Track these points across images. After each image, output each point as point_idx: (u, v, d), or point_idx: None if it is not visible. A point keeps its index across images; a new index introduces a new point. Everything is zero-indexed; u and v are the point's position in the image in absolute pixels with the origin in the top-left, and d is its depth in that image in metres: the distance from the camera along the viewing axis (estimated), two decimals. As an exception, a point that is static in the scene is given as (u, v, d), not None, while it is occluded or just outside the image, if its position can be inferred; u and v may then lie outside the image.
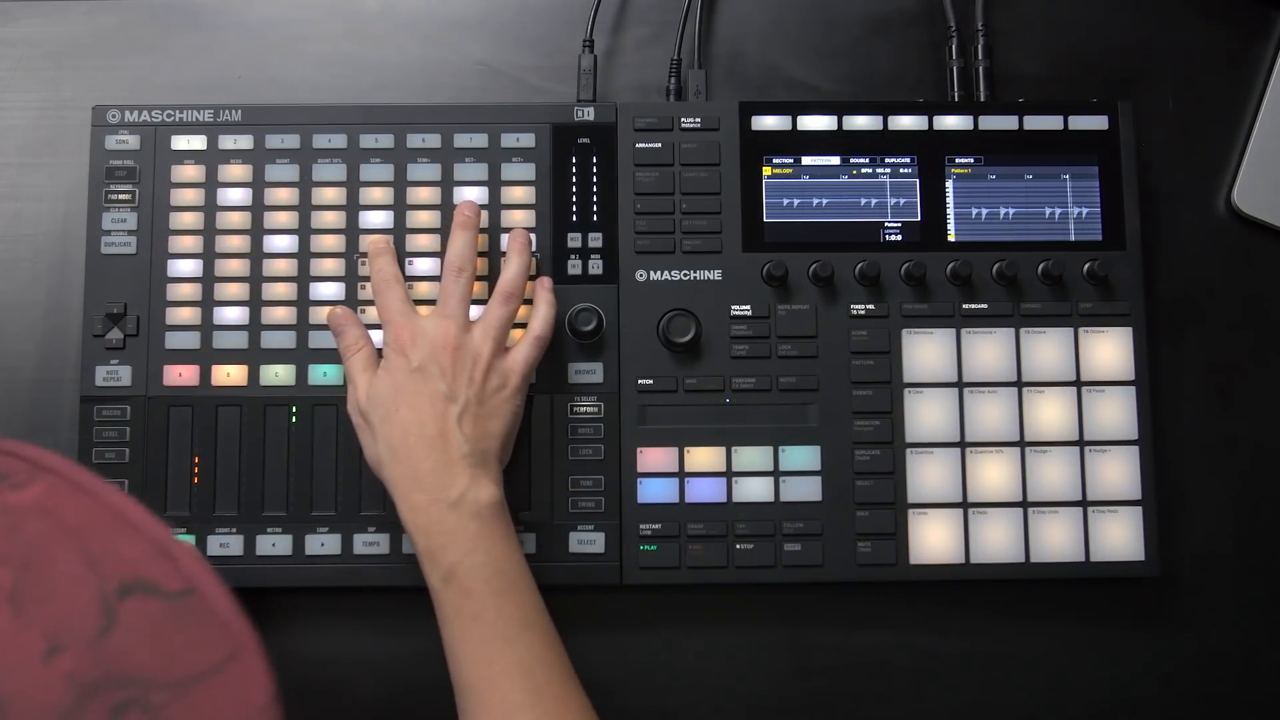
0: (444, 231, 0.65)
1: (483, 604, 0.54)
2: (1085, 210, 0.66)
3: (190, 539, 0.62)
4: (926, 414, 0.65)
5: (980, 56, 0.70)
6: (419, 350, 0.58)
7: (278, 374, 0.64)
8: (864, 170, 0.66)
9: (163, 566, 0.32)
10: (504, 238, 0.65)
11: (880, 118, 0.67)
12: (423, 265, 0.65)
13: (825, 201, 0.66)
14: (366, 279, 0.65)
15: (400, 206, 0.66)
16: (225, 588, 0.32)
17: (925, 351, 0.65)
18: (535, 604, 0.56)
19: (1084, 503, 0.64)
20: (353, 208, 0.65)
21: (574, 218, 0.66)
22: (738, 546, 0.63)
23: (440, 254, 0.65)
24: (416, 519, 0.56)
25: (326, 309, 0.63)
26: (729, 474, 0.64)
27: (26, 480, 0.32)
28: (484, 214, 0.65)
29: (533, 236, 0.65)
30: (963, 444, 0.64)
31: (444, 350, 0.58)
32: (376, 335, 0.63)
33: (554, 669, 0.54)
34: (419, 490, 0.56)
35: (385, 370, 0.59)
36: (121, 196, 0.65)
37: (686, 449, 0.64)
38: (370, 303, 0.64)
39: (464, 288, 0.61)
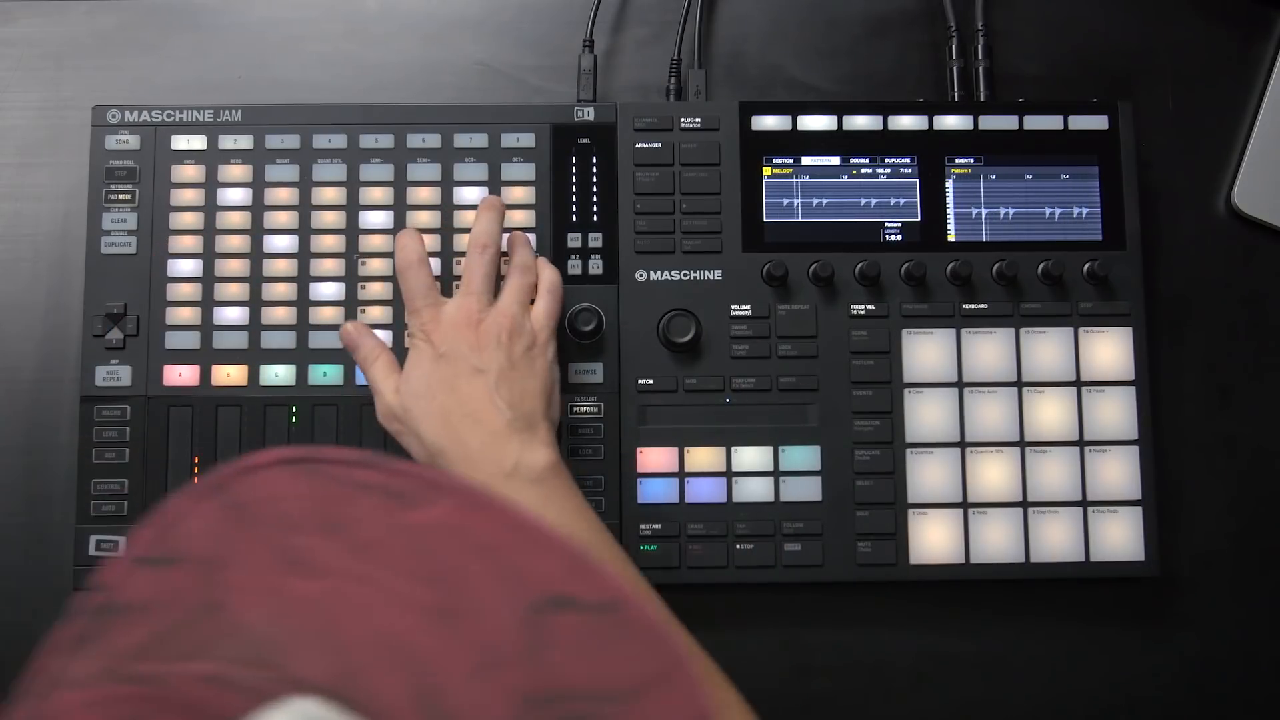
0: (444, 232, 0.65)
1: None
2: (1085, 210, 0.66)
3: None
4: (926, 414, 0.65)
5: (980, 56, 0.70)
6: (444, 335, 0.58)
7: (278, 374, 0.64)
8: (864, 170, 0.66)
9: (581, 581, 0.31)
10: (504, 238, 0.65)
11: (880, 118, 0.67)
12: (423, 265, 0.65)
13: (825, 201, 0.66)
14: (367, 279, 0.65)
15: (400, 206, 0.66)
16: (651, 601, 0.31)
17: (925, 351, 0.65)
18: (617, 560, 0.54)
19: (1084, 503, 0.64)
20: (353, 208, 0.65)
21: (574, 218, 0.66)
22: (738, 546, 0.63)
23: (440, 254, 0.65)
24: None
25: (340, 327, 0.62)
26: (729, 474, 0.64)
27: (426, 500, 0.32)
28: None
29: (531, 238, 0.65)
30: (963, 444, 0.64)
31: (468, 328, 0.58)
32: (382, 335, 0.63)
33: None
34: (474, 470, 0.55)
35: (414, 363, 0.59)
36: (121, 196, 0.65)
37: (686, 449, 0.64)
38: (372, 302, 0.64)
39: (489, 264, 0.61)
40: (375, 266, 0.65)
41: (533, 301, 0.62)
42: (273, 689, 0.28)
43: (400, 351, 0.64)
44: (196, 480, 0.32)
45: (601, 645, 0.30)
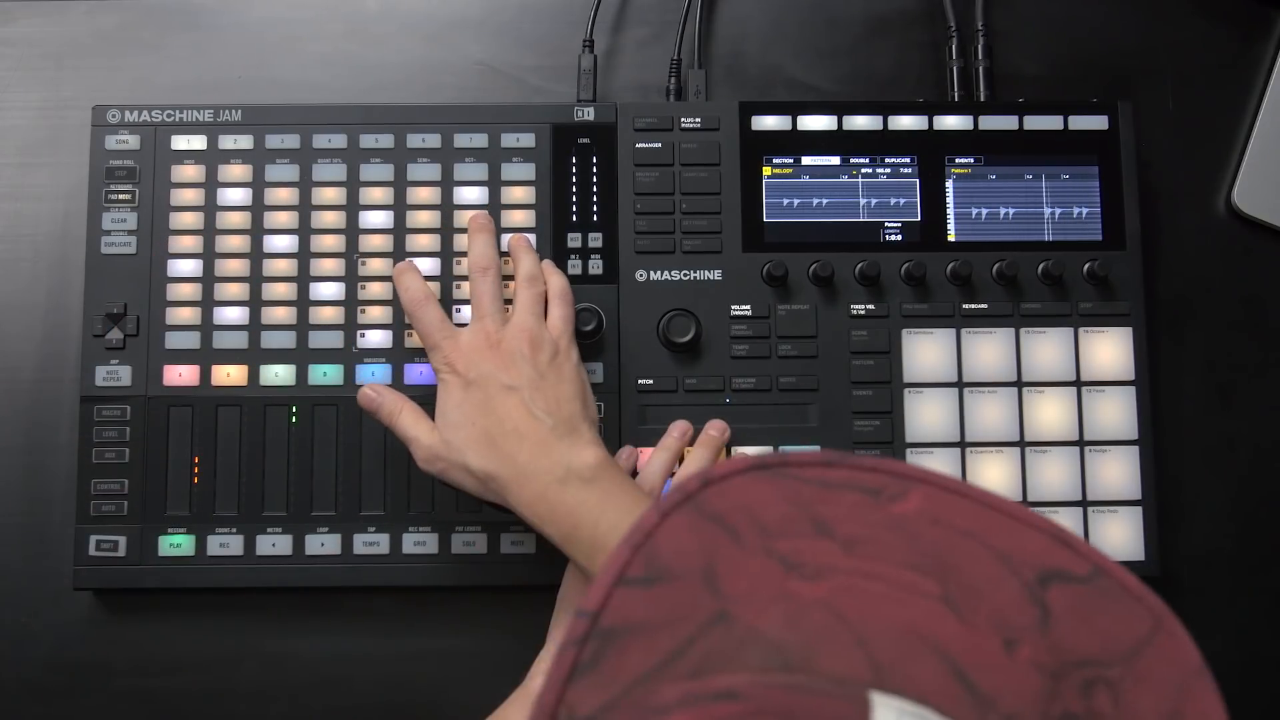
0: (444, 232, 0.65)
1: None
2: (1085, 210, 0.66)
3: (190, 539, 0.62)
4: (926, 414, 0.65)
5: (980, 56, 0.69)
6: (468, 362, 0.58)
7: (278, 374, 0.64)
8: (864, 170, 0.66)
9: (1065, 553, 0.32)
10: (504, 239, 0.65)
11: (880, 118, 0.67)
12: (423, 265, 0.65)
13: (825, 201, 0.66)
14: (367, 279, 0.65)
15: (400, 206, 0.66)
16: (1125, 567, 0.33)
17: (925, 351, 0.65)
18: None
19: (1084, 503, 0.64)
20: (353, 208, 0.65)
21: (574, 218, 0.66)
22: (738, 546, 0.63)
23: (440, 254, 0.65)
24: (540, 510, 0.55)
25: (357, 393, 0.61)
26: (729, 474, 0.64)
27: (901, 492, 0.33)
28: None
29: (531, 238, 0.65)
30: (963, 444, 0.64)
31: (490, 349, 0.58)
32: (379, 335, 0.63)
33: None
34: (527, 484, 0.55)
35: (445, 396, 0.58)
36: (121, 196, 0.65)
37: (687, 449, 0.64)
38: (372, 303, 0.64)
39: (492, 284, 0.61)
40: (375, 266, 0.65)
41: (546, 310, 0.62)
42: (829, 690, 0.28)
43: (397, 354, 0.64)
44: (663, 496, 0.32)
45: (1097, 612, 0.31)
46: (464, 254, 0.65)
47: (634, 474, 0.62)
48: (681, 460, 0.63)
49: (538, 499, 0.55)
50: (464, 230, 0.65)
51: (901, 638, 0.30)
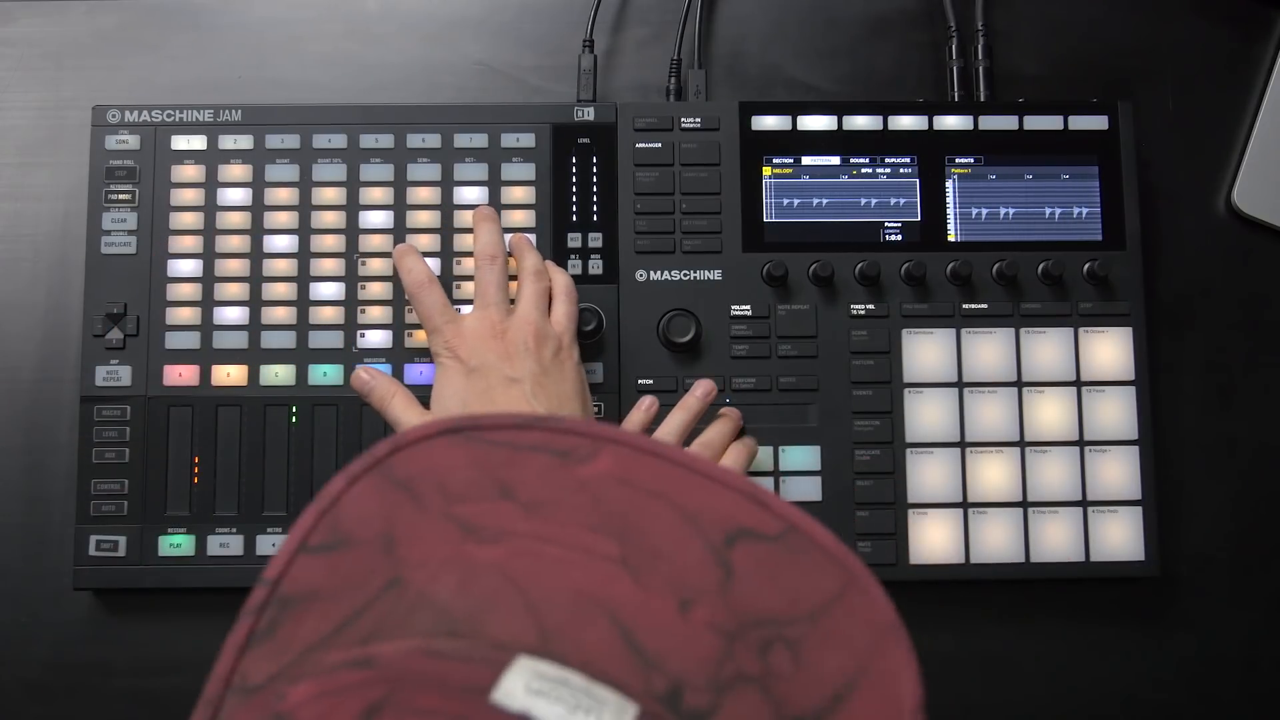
0: (444, 232, 0.65)
1: None
2: (1085, 210, 0.66)
3: (190, 539, 0.62)
4: (926, 414, 0.65)
5: (980, 56, 0.69)
6: (470, 349, 0.58)
7: (278, 374, 0.64)
8: (864, 170, 0.66)
9: (757, 512, 0.32)
10: (505, 238, 0.65)
11: (880, 118, 0.67)
12: (423, 265, 0.65)
13: (825, 201, 0.66)
14: (367, 279, 0.65)
15: (400, 206, 0.66)
16: (823, 524, 0.32)
17: (925, 351, 0.65)
18: None
19: (1084, 503, 0.64)
20: (353, 208, 0.65)
21: (574, 218, 0.66)
22: (738, 546, 0.63)
23: (440, 254, 0.65)
24: None
25: (351, 374, 0.61)
26: (729, 474, 0.64)
27: (590, 453, 0.32)
28: (484, 214, 0.65)
29: (531, 238, 0.65)
30: (963, 444, 0.64)
31: (494, 339, 0.58)
32: (377, 337, 0.63)
33: None
34: None
35: (444, 382, 0.58)
36: (121, 196, 0.65)
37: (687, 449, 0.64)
38: (372, 302, 0.64)
39: (499, 274, 0.61)
40: (375, 266, 0.65)
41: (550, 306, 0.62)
42: (484, 655, 0.28)
43: (398, 354, 0.64)
44: (353, 461, 0.32)
45: (785, 570, 0.31)
46: (464, 254, 0.65)
47: (650, 430, 0.62)
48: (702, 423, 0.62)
49: None
50: (465, 230, 0.65)
51: (572, 601, 0.30)
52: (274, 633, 0.30)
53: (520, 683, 0.27)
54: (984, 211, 0.66)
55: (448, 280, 0.65)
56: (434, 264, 0.65)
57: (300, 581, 0.30)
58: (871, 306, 0.65)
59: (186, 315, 0.64)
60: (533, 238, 0.65)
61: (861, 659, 0.30)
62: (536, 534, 0.31)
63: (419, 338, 0.64)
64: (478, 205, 0.65)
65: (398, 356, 0.64)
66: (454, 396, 0.57)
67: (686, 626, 0.30)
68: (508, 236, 0.64)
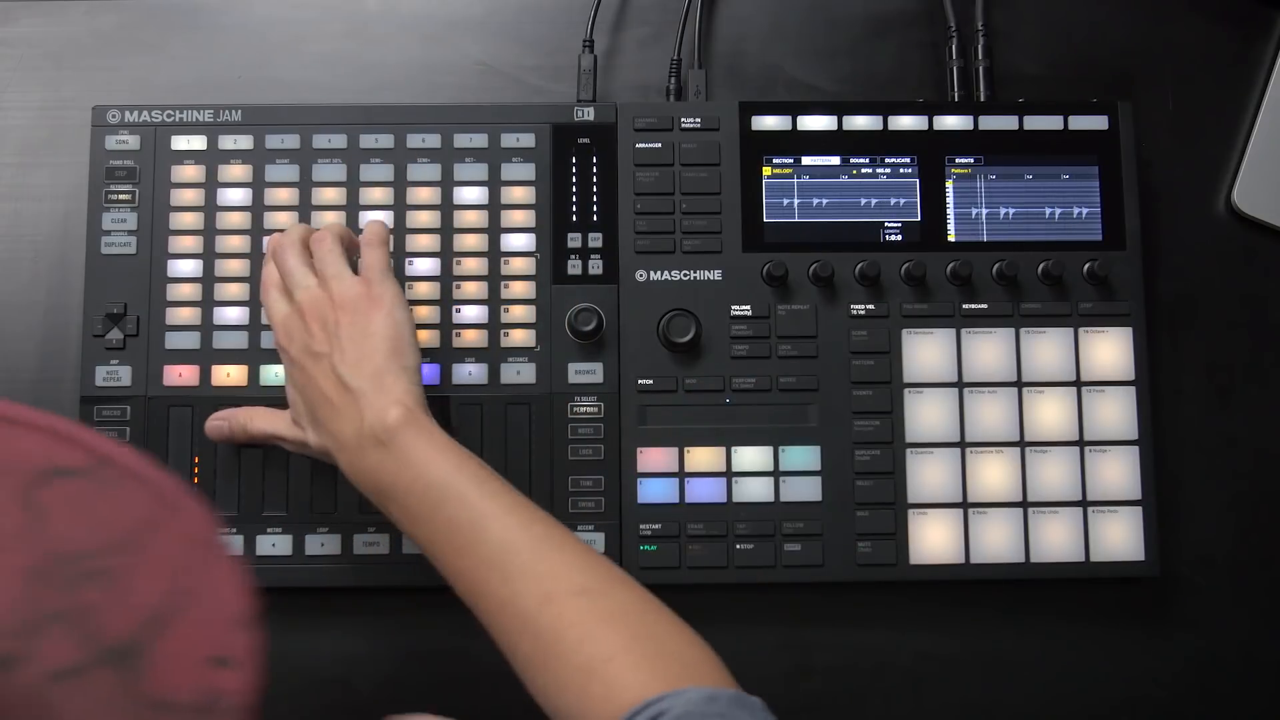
0: (444, 232, 0.65)
1: (430, 525, 0.53)
2: (1085, 210, 0.66)
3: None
4: (926, 414, 0.65)
5: (980, 56, 0.69)
6: (290, 339, 0.58)
7: (277, 374, 0.64)
8: (864, 170, 0.66)
9: (66, 449, 0.32)
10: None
11: (880, 118, 0.67)
12: (423, 265, 0.65)
13: (825, 201, 0.66)
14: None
15: (400, 206, 0.66)
16: (137, 452, 0.33)
17: (925, 351, 0.65)
18: (487, 494, 0.53)
19: (1084, 503, 0.64)
20: (353, 208, 0.65)
21: (574, 218, 0.66)
22: (738, 546, 0.63)
23: (440, 254, 0.65)
24: (352, 476, 0.55)
25: (206, 430, 0.62)
26: (729, 474, 0.64)
27: None
28: (484, 214, 0.65)
29: (531, 238, 0.65)
30: (963, 444, 0.64)
31: (299, 317, 0.57)
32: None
33: (524, 549, 0.52)
34: (343, 453, 0.55)
35: (287, 381, 0.59)
36: (121, 196, 0.65)
37: (686, 449, 0.64)
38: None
39: (293, 256, 0.59)
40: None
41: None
42: None
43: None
44: None
45: (98, 502, 0.32)
46: (464, 254, 0.65)
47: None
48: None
49: (349, 467, 0.55)
50: (464, 230, 0.65)
51: None
52: None
53: None
54: (984, 211, 0.66)
55: (447, 281, 0.65)
56: (434, 264, 0.65)
57: None
58: (871, 306, 0.65)
59: (186, 315, 0.64)
60: (533, 238, 0.65)
61: (178, 578, 0.31)
62: None
63: (423, 337, 0.64)
64: (475, 209, 0.65)
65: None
66: (290, 390, 0.59)
67: None
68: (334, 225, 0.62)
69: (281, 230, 0.65)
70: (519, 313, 0.65)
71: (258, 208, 0.65)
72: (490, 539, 0.52)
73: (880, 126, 0.67)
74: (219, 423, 0.62)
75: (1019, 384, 0.65)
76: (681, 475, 0.64)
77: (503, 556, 0.52)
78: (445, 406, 0.64)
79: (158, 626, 0.30)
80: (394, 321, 0.57)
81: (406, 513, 0.54)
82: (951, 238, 0.66)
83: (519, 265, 0.65)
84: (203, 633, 0.31)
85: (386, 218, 0.65)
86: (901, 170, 0.66)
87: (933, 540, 0.64)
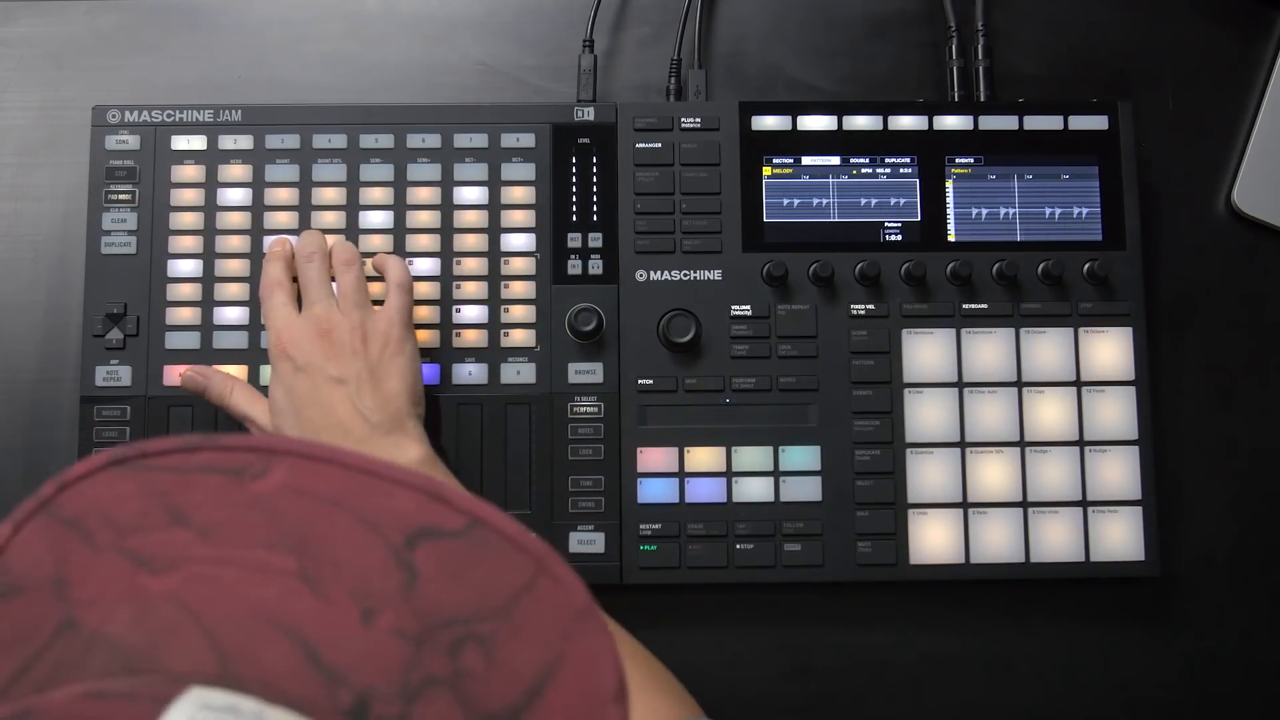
0: (444, 232, 0.65)
1: None
2: (1085, 210, 0.66)
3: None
4: (926, 414, 0.65)
5: (980, 56, 0.69)
6: (299, 348, 0.58)
7: (278, 374, 0.64)
8: (864, 170, 0.66)
9: (438, 509, 0.31)
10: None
11: (880, 118, 0.67)
12: (423, 265, 0.65)
13: (825, 201, 0.66)
14: (366, 279, 0.65)
15: (400, 206, 0.66)
16: (507, 514, 0.32)
17: (925, 351, 0.65)
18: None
19: (1084, 503, 0.64)
20: (353, 208, 0.65)
21: (574, 218, 0.66)
22: (738, 546, 0.63)
23: (440, 254, 0.65)
24: None
25: (181, 376, 0.62)
26: (729, 474, 0.64)
27: (264, 469, 0.32)
28: (484, 214, 0.65)
29: (531, 238, 0.65)
30: (963, 444, 0.64)
31: (320, 337, 0.58)
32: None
33: None
34: None
35: (275, 380, 0.59)
36: (121, 196, 0.65)
37: (686, 449, 0.64)
38: (373, 302, 0.64)
39: (319, 270, 0.60)
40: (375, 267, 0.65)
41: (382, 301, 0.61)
42: (157, 690, 0.27)
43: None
44: (19, 505, 0.31)
45: (470, 565, 0.31)
46: (464, 254, 0.65)
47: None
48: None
49: None
50: (465, 230, 0.65)
51: (250, 622, 0.29)
52: None
53: (184, 715, 0.26)
54: (984, 211, 0.66)
55: (447, 281, 0.65)
56: (434, 264, 0.65)
57: None
58: (871, 306, 0.65)
59: (186, 315, 0.64)
60: (533, 238, 0.65)
61: (556, 648, 0.30)
62: (211, 558, 0.30)
63: (423, 337, 0.64)
64: (475, 209, 0.65)
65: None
66: (285, 398, 0.58)
67: (371, 636, 0.29)
68: (332, 238, 0.63)
69: (281, 230, 0.65)
70: (519, 313, 0.65)
71: (258, 208, 0.65)
72: None
73: (880, 126, 0.67)
74: (198, 378, 0.62)
75: (1019, 384, 0.65)
76: (681, 475, 0.64)
77: None
78: (435, 407, 0.64)
79: (534, 697, 0.29)
80: (415, 370, 0.60)
81: None
82: (951, 238, 0.66)
83: (519, 265, 0.65)
84: (577, 705, 0.30)
85: (386, 218, 0.65)
86: (901, 170, 0.66)
87: (933, 540, 0.64)
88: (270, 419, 0.59)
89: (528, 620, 0.30)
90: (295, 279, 0.62)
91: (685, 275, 0.66)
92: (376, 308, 0.61)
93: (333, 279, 0.61)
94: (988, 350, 0.65)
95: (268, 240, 0.65)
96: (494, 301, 0.65)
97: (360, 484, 0.32)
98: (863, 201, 0.66)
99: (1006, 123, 0.67)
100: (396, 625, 0.29)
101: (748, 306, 0.65)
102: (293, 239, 0.63)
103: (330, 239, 0.63)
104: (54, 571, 0.30)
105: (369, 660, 0.29)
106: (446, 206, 0.66)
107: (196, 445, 0.32)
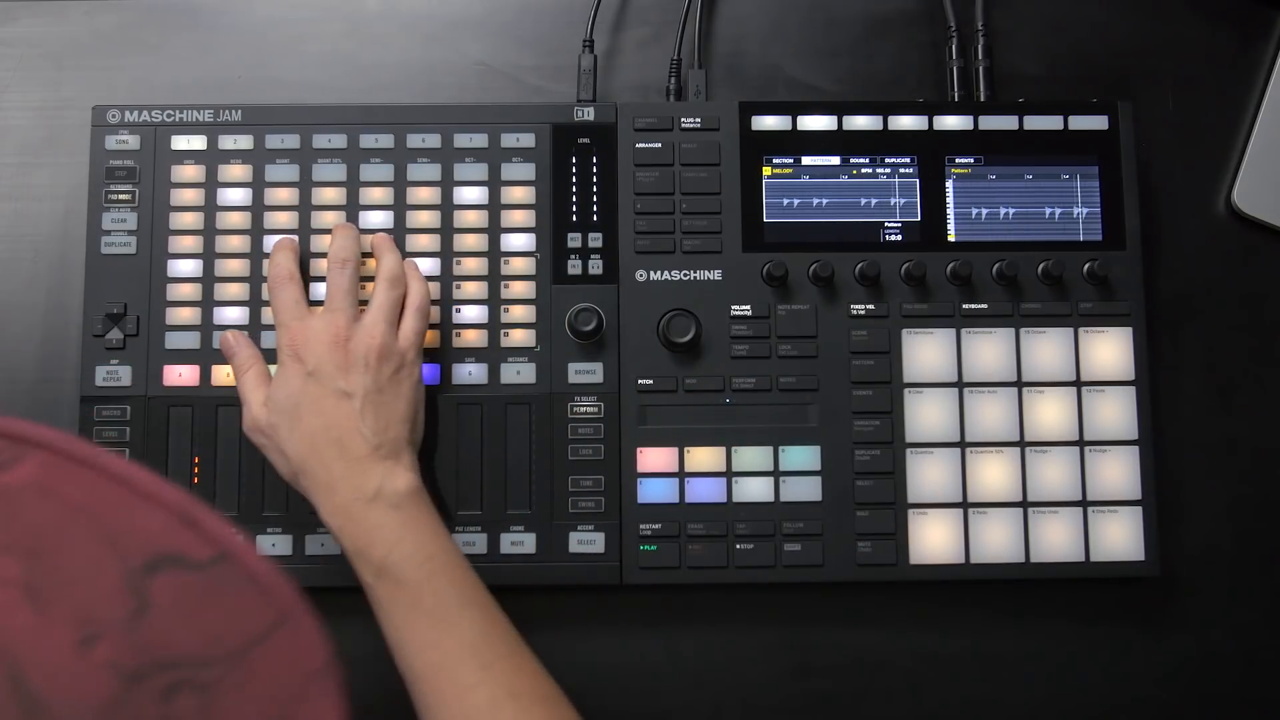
0: (444, 231, 0.65)
1: (418, 592, 0.54)
2: (1085, 210, 0.66)
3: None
4: (926, 414, 0.65)
5: (980, 56, 0.70)
6: (311, 352, 0.58)
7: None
8: (864, 170, 0.66)
9: (187, 535, 0.29)
10: (365, 239, 0.65)
11: (880, 118, 0.67)
12: (423, 265, 0.65)
13: (825, 201, 0.66)
14: (367, 279, 0.65)
15: (400, 206, 0.66)
16: (259, 552, 0.29)
17: (925, 351, 0.65)
18: (472, 582, 0.56)
19: (1084, 503, 0.64)
20: (353, 208, 0.65)
21: (574, 218, 0.66)
22: (738, 546, 0.63)
23: (440, 254, 0.65)
24: (339, 521, 0.56)
25: (221, 337, 0.63)
26: (729, 474, 0.64)
27: (13, 458, 0.29)
28: (484, 214, 0.65)
29: (531, 238, 0.65)
30: (963, 444, 0.64)
31: (336, 347, 0.58)
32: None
33: (501, 642, 0.54)
34: (336, 493, 0.56)
35: (281, 379, 0.58)
36: (121, 196, 0.65)
37: (686, 449, 0.64)
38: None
39: (349, 279, 0.61)
40: (374, 267, 0.65)
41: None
42: None
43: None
44: None
45: (206, 604, 0.28)
46: (464, 254, 0.65)
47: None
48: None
49: (341, 510, 0.55)
50: (465, 230, 0.65)
51: None
52: None
53: None
54: (984, 211, 0.66)
55: (447, 280, 0.65)
56: (434, 264, 0.65)
57: None
58: (871, 306, 0.65)
59: (186, 315, 0.64)
60: (533, 238, 0.65)
61: (283, 706, 0.28)
62: None
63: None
64: (476, 210, 0.65)
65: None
66: (288, 398, 0.58)
67: (83, 665, 0.27)
68: (368, 238, 0.64)
69: (281, 231, 0.65)
70: (519, 313, 0.65)
71: (258, 208, 0.65)
72: (473, 624, 0.54)
73: (880, 126, 0.67)
74: (232, 344, 0.62)
75: (1019, 384, 0.65)
76: (681, 475, 0.64)
77: (483, 642, 0.53)
78: (435, 407, 0.64)
79: None
80: (419, 398, 0.60)
81: (391, 577, 0.54)
82: (951, 238, 0.66)
83: (519, 265, 0.65)
84: None
85: (386, 218, 0.65)
86: (901, 170, 0.66)
87: (933, 540, 0.64)
88: (265, 412, 0.59)
89: (259, 671, 0.28)
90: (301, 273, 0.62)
91: (685, 275, 0.66)
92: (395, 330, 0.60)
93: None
94: (988, 350, 0.65)
95: (268, 240, 0.65)
96: (494, 301, 0.65)
97: (112, 494, 0.29)
98: (863, 201, 0.66)
99: (1006, 123, 0.67)
100: (113, 658, 0.27)
101: (748, 306, 0.65)
102: (287, 238, 0.63)
103: (372, 240, 0.63)
104: None
105: (76, 692, 0.26)
106: (446, 206, 0.66)
107: None
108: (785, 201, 0.66)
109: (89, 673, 0.27)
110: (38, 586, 0.27)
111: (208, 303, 0.64)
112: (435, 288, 0.65)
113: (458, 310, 0.65)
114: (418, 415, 0.60)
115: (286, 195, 0.65)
